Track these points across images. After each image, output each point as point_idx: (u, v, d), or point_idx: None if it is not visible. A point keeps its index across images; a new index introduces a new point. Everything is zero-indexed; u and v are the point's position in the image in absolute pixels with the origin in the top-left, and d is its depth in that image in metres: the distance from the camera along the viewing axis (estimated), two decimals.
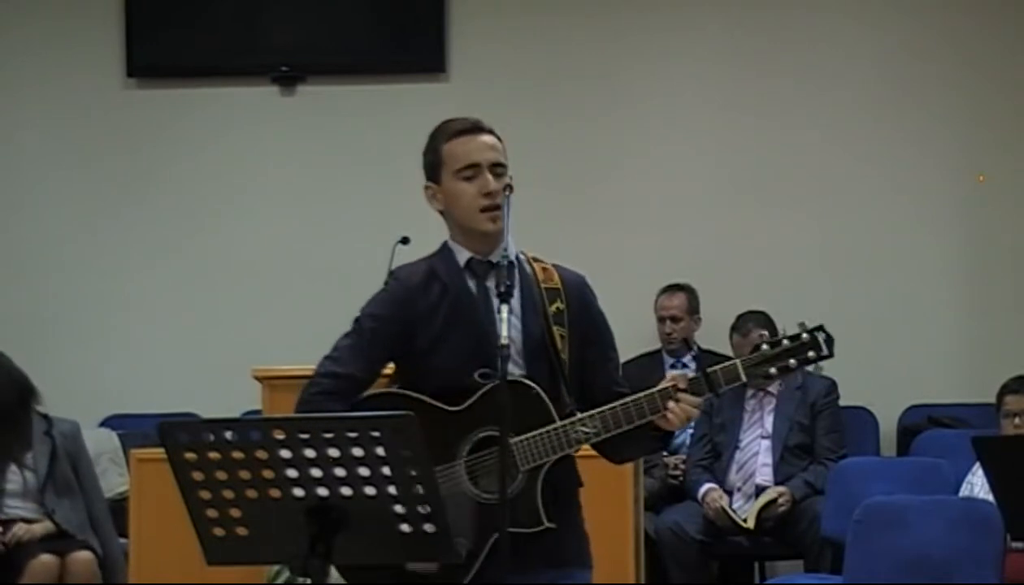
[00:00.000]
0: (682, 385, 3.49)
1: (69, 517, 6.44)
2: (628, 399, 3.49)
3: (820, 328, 3.58)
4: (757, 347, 3.56)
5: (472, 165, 3.61)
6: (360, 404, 3.58)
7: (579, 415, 3.50)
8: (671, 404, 3.47)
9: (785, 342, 3.55)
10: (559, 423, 3.48)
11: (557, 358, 3.57)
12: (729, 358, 6.33)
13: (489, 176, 3.59)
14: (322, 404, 3.56)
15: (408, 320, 3.62)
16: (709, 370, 3.50)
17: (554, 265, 3.70)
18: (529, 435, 3.48)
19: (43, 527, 6.40)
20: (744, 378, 3.53)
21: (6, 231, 8.39)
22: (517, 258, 3.64)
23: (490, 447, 3.51)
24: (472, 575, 3.48)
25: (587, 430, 3.49)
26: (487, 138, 3.64)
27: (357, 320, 3.66)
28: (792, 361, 3.55)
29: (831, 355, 3.55)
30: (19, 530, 6.34)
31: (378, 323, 3.64)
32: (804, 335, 3.55)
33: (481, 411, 3.51)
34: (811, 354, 3.54)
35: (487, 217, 3.59)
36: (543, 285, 3.63)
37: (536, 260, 3.69)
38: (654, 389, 3.49)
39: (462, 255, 3.65)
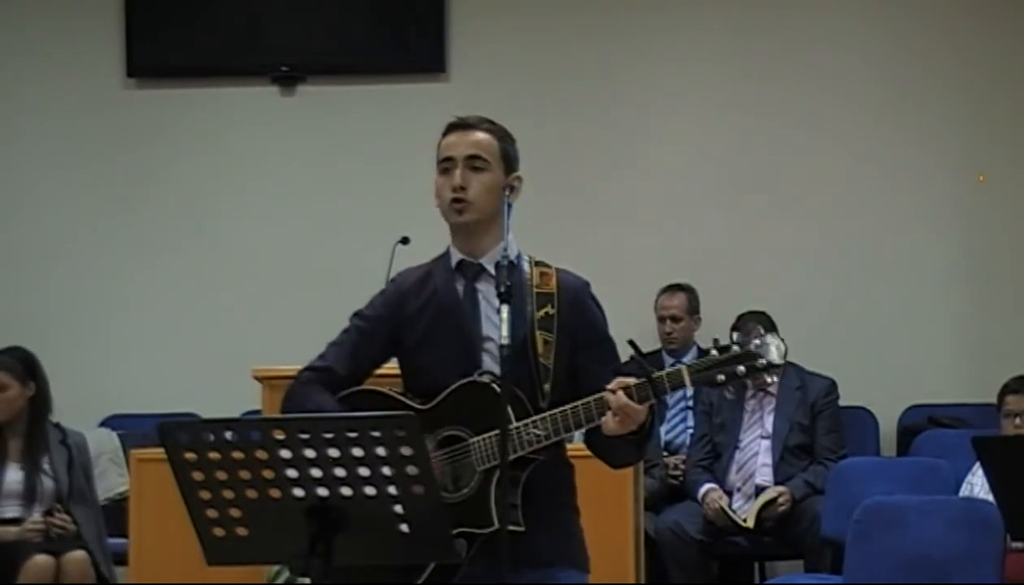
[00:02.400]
0: (624, 390, 3.40)
1: (88, 528, 6.47)
2: (578, 403, 3.45)
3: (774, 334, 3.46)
4: (706, 352, 3.45)
5: (446, 158, 3.63)
6: (338, 402, 3.61)
7: (532, 418, 3.47)
8: (611, 407, 3.39)
9: (735, 348, 3.42)
10: (514, 425, 3.46)
11: (536, 363, 3.55)
12: None
13: (458, 171, 3.60)
14: (300, 390, 3.63)
15: (395, 321, 3.66)
16: (655, 375, 3.41)
17: (557, 269, 3.68)
18: (485, 436, 3.48)
19: (74, 528, 6.44)
20: (689, 384, 3.43)
21: (6, 231, 8.39)
22: (518, 259, 3.64)
23: (452, 446, 3.52)
24: (427, 575, 3.46)
25: (538, 433, 3.46)
26: (471, 134, 3.64)
27: (349, 319, 3.73)
28: (740, 368, 3.40)
29: (781, 364, 3.42)
30: (60, 522, 6.38)
31: (365, 322, 3.70)
32: (755, 341, 3.43)
33: (446, 410, 3.53)
34: (760, 361, 3.41)
35: (453, 209, 3.60)
36: (536, 289, 3.62)
37: (539, 264, 3.68)
38: (598, 394, 3.43)
39: (455, 257, 3.67)
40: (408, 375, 3.66)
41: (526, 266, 3.66)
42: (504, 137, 3.68)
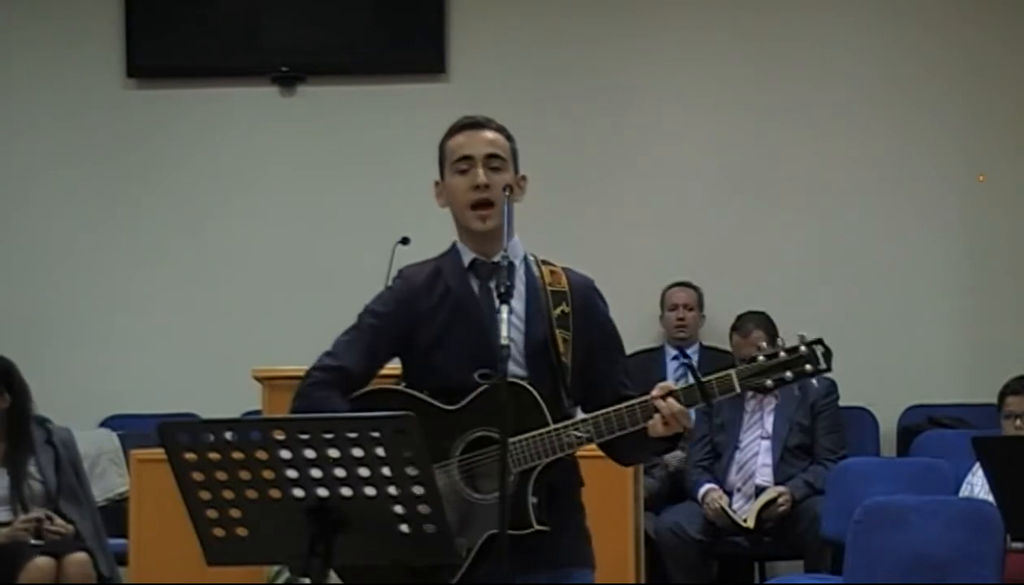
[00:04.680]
0: (672, 394, 3.45)
1: (84, 526, 6.44)
2: (622, 406, 3.47)
3: (819, 341, 3.49)
4: (753, 358, 3.48)
5: (464, 157, 3.61)
6: (357, 401, 3.58)
7: (574, 419, 3.48)
8: (660, 410, 3.44)
9: (782, 354, 3.46)
10: (553, 426, 3.46)
11: (558, 361, 3.56)
12: (730, 355, 6.30)
13: (480, 170, 3.58)
14: (315, 392, 3.57)
15: (408, 319, 3.62)
16: (704, 379, 3.45)
17: (563, 268, 3.68)
18: (523, 437, 3.46)
19: (70, 528, 6.41)
20: (739, 389, 3.48)
21: (6, 231, 8.39)
22: (525, 260, 3.65)
23: (483, 447, 3.51)
24: (461, 575, 3.47)
25: (580, 434, 3.47)
26: (486, 133, 3.63)
27: (359, 316, 3.68)
28: (788, 373, 3.47)
29: (829, 369, 3.49)
30: (62, 528, 6.36)
31: (377, 320, 3.65)
32: (802, 348, 3.47)
33: (476, 411, 3.51)
34: (808, 368, 3.46)
35: (475, 215, 3.58)
36: (549, 288, 3.61)
37: (545, 263, 3.68)
38: (645, 397, 3.46)
39: (467, 256, 3.64)
40: (417, 373, 3.62)
41: (534, 267, 3.66)
42: (511, 137, 3.68)
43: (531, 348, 3.56)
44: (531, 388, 3.48)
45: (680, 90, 8.23)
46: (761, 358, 3.47)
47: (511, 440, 3.46)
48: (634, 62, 8.22)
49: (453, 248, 3.68)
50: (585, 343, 3.60)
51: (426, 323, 3.61)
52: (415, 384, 3.61)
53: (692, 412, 7.77)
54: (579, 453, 3.68)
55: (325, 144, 8.33)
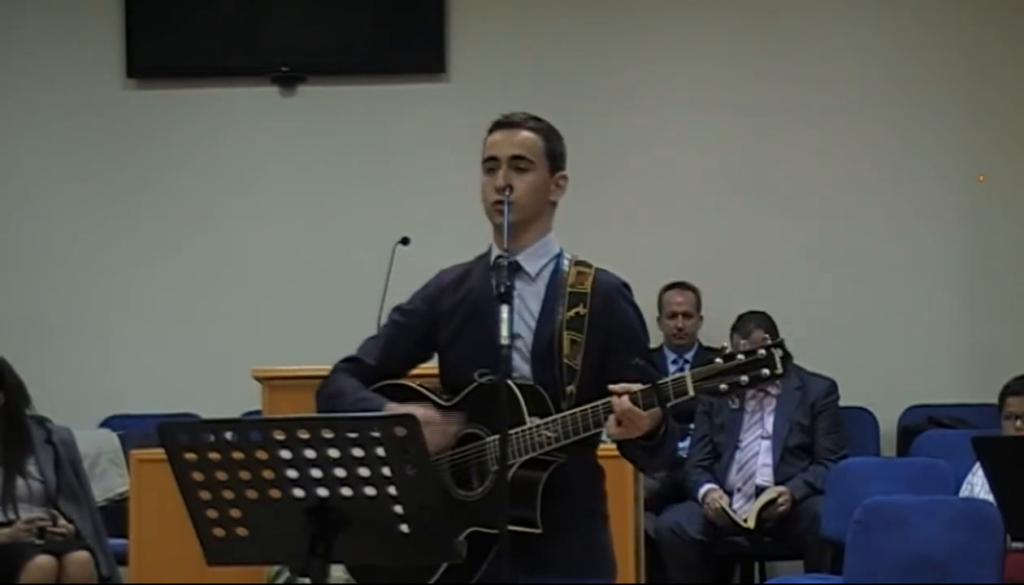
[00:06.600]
0: (629, 396, 3.39)
1: (84, 525, 6.44)
2: (587, 406, 3.45)
3: (780, 344, 3.45)
4: (708, 350, 3.49)
5: (490, 158, 3.63)
6: None
7: (544, 419, 3.47)
8: (614, 412, 3.39)
9: (740, 357, 3.41)
10: (527, 426, 3.46)
11: (560, 364, 3.55)
12: None
13: (500, 171, 3.59)
14: (329, 378, 3.67)
15: (432, 317, 3.68)
16: (660, 382, 3.41)
17: (596, 269, 3.68)
18: (498, 437, 3.44)
19: (71, 529, 6.39)
20: (692, 392, 3.41)
21: (6, 231, 8.39)
22: (558, 259, 3.65)
23: (469, 444, 3.53)
24: (439, 574, 3.46)
25: (549, 434, 3.46)
26: (517, 134, 3.63)
27: (389, 313, 3.77)
28: (744, 377, 3.41)
29: (786, 373, 3.44)
30: (64, 530, 6.34)
31: (402, 316, 3.74)
32: (760, 351, 3.42)
33: (466, 408, 3.54)
34: (764, 372, 3.41)
35: (496, 210, 3.59)
36: (570, 289, 3.61)
37: (579, 263, 3.68)
38: (607, 398, 3.42)
39: (494, 254, 3.66)
40: (441, 370, 3.69)
41: (565, 265, 3.66)
42: (550, 135, 3.67)
43: (538, 349, 3.57)
44: (514, 386, 3.46)
45: (680, 90, 8.23)
46: (718, 361, 3.42)
47: (488, 439, 3.50)
48: (634, 62, 8.22)
49: (488, 249, 3.70)
50: (600, 345, 3.58)
51: (446, 321, 3.66)
52: (442, 381, 3.66)
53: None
54: (607, 454, 3.67)
55: (325, 144, 8.33)
